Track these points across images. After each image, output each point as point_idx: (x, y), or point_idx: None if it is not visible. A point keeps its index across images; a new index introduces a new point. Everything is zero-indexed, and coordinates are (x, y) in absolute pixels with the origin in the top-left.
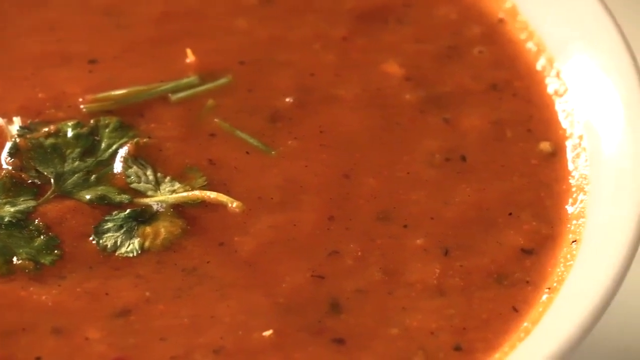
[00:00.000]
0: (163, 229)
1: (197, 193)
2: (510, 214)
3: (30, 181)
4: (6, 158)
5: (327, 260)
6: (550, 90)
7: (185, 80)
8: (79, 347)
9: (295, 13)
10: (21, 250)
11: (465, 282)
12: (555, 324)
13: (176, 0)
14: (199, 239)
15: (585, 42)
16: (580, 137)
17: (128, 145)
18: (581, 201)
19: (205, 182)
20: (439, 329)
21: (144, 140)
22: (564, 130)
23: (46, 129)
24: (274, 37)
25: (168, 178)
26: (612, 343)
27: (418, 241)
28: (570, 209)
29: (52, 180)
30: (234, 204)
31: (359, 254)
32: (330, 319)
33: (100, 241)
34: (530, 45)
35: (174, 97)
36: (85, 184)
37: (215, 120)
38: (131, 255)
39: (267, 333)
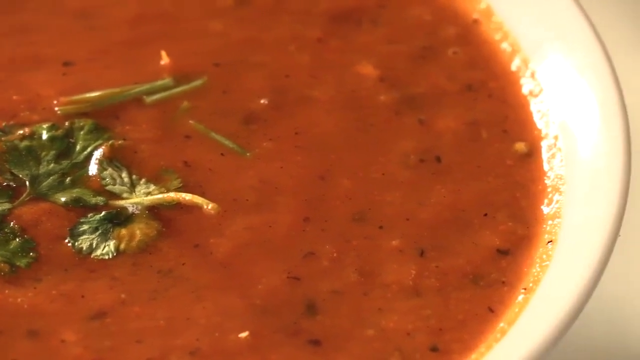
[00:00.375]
0: (138, 231)
1: (172, 195)
2: (485, 214)
3: (5, 184)
4: None
5: (302, 261)
6: (525, 90)
7: (159, 82)
8: (54, 350)
9: (269, 14)
10: None
11: (441, 282)
12: (531, 324)
13: (150, 2)
14: (175, 240)
15: (560, 42)
16: (556, 138)
17: (103, 147)
18: (557, 201)
19: (181, 184)
20: (415, 329)
21: (119, 142)
22: (539, 130)
23: (21, 132)
24: (249, 38)
25: (143, 180)
26: (587, 344)
27: (394, 242)
28: (545, 209)
29: (27, 183)
30: (209, 206)
31: (335, 255)
32: (306, 320)
33: (76, 243)
34: (505, 45)
35: (148, 99)
36: (60, 187)
37: (190, 122)
38: (106, 257)
39: (243, 335)
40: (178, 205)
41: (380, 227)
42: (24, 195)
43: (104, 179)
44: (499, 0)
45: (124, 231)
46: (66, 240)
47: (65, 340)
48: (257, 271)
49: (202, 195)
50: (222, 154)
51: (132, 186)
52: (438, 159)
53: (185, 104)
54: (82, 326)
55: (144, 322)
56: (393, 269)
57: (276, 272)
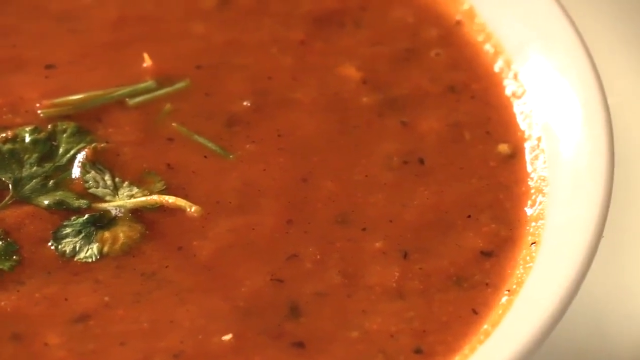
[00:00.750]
0: (122, 233)
1: (155, 197)
2: (469, 216)
3: None
4: None
5: (286, 263)
6: (508, 92)
7: (142, 85)
8: (38, 353)
9: (252, 16)
10: None
11: (425, 284)
12: (514, 326)
13: (132, 4)
14: (158, 243)
15: (542, 43)
16: (539, 139)
17: (86, 150)
18: (540, 203)
19: (164, 187)
20: (399, 332)
21: (102, 145)
22: (523, 132)
23: (3, 135)
24: (231, 40)
25: (126, 183)
26: (571, 345)
27: (377, 244)
28: (529, 210)
29: (10, 186)
30: (192, 208)
31: (318, 257)
32: (290, 322)
33: (59, 246)
34: (487, 47)
35: (131, 102)
36: (43, 189)
37: (173, 124)
38: (90, 260)
39: (227, 337)
40: (161, 208)
41: (364, 229)
42: (7, 198)
43: (87, 181)
44: (482, 1)
45: (107, 234)
46: (49, 243)
47: (48, 344)
48: (241, 273)
49: (185, 197)
50: (205, 157)
51: (115, 189)
52: (421, 161)
53: (167, 106)
54: (65, 329)
55: (128, 325)
56: (376, 271)
57: (259, 275)
